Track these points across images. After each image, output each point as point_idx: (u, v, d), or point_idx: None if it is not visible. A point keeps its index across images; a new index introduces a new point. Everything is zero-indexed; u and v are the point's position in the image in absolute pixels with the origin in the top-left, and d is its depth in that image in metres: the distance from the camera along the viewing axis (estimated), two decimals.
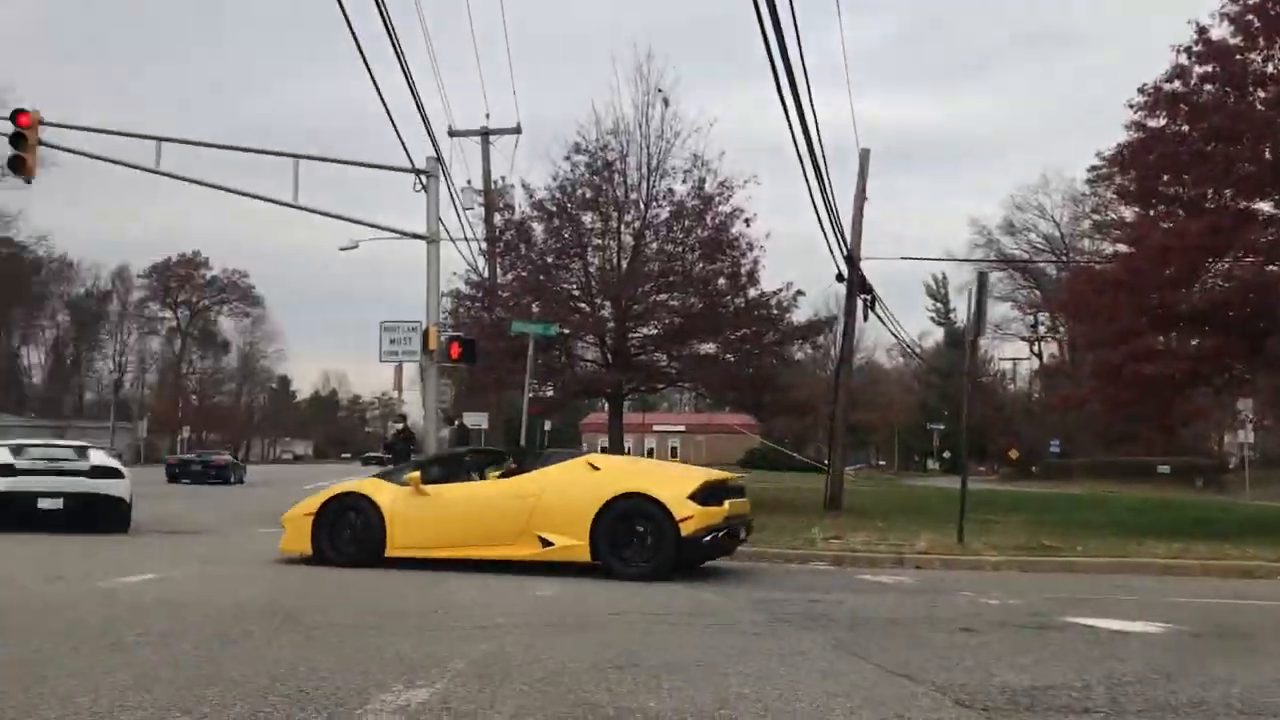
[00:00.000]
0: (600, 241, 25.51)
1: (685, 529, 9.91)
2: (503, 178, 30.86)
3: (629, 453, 37.97)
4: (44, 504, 14.66)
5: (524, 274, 25.71)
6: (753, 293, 25.22)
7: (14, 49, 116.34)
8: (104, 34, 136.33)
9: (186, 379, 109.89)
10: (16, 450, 15.47)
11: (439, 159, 20.14)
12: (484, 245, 30.30)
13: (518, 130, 33.83)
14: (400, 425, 26.19)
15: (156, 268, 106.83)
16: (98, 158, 19.36)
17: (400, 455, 22.12)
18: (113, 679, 5.20)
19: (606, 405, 30.40)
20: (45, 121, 17.67)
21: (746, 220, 24.90)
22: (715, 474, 11.10)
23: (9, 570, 9.82)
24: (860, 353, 68.85)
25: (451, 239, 26.59)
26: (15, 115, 17.39)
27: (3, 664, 5.48)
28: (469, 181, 30.40)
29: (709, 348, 26.09)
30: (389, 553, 10.88)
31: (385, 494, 11.17)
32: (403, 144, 20.60)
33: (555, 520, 10.37)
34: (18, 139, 17.25)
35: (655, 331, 25.87)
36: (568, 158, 25.49)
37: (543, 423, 49.34)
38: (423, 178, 19.81)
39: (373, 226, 22.87)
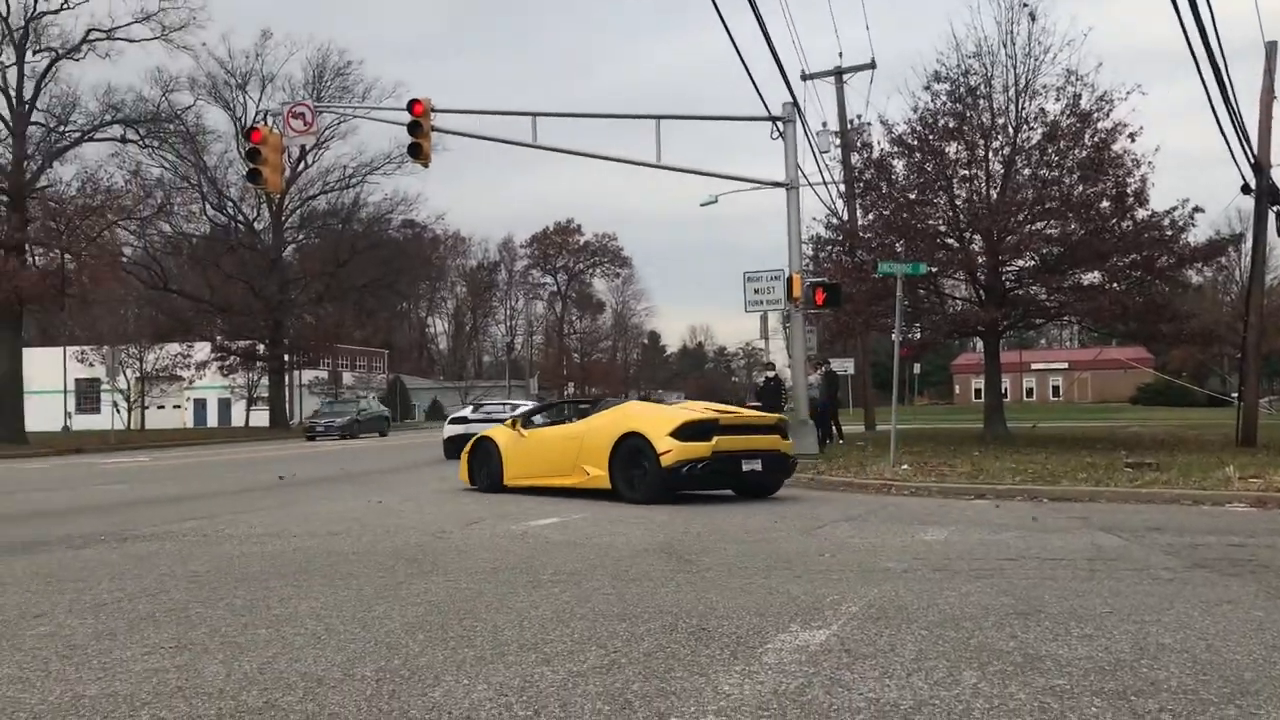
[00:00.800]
0: (966, 172, 24.47)
1: (664, 461, 11.90)
2: (858, 116, 30.32)
3: (1005, 394, 36.28)
4: None
5: (886, 213, 25.15)
6: (1141, 214, 23.22)
7: (401, 50, 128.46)
8: (479, 27, 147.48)
9: (568, 338, 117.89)
10: (475, 408, 25.90)
11: (795, 104, 20.04)
12: (843, 187, 29.97)
13: (872, 66, 33.12)
14: (771, 374, 26.57)
15: (536, 237, 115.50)
16: (482, 137, 21.07)
17: (770, 403, 22.44)
18: (535, 613, 5.66)
19: (980, 345, 29.19)
20: (435, 109, 19.34)
21: (1131, 135, 22.94)
22: (707, 413, 12.62)
23: (435, 520, 10.96)
24: (1272, 272, 61.56)
25: (810, 184, 26.56)
26: (411, 105, 19.16)
27: (441, 600, 6.11)
28: (824, 124, 30.24)
29: (1093, 277, 24.35)
30: (505, 482, 13.94)
31: (502, 437, 14.27)
32: (758, 93, 20.82)
33: (591, 455, 12.76)
34: (414, 127, 19.02)
35: (1031, 263, 24.53)
36: (927, 87, 24.69)
37: (912, 365, 48.09)
38: (779, 125, 19.81)
39: (730, 179, 23.30)
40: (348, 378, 78.68)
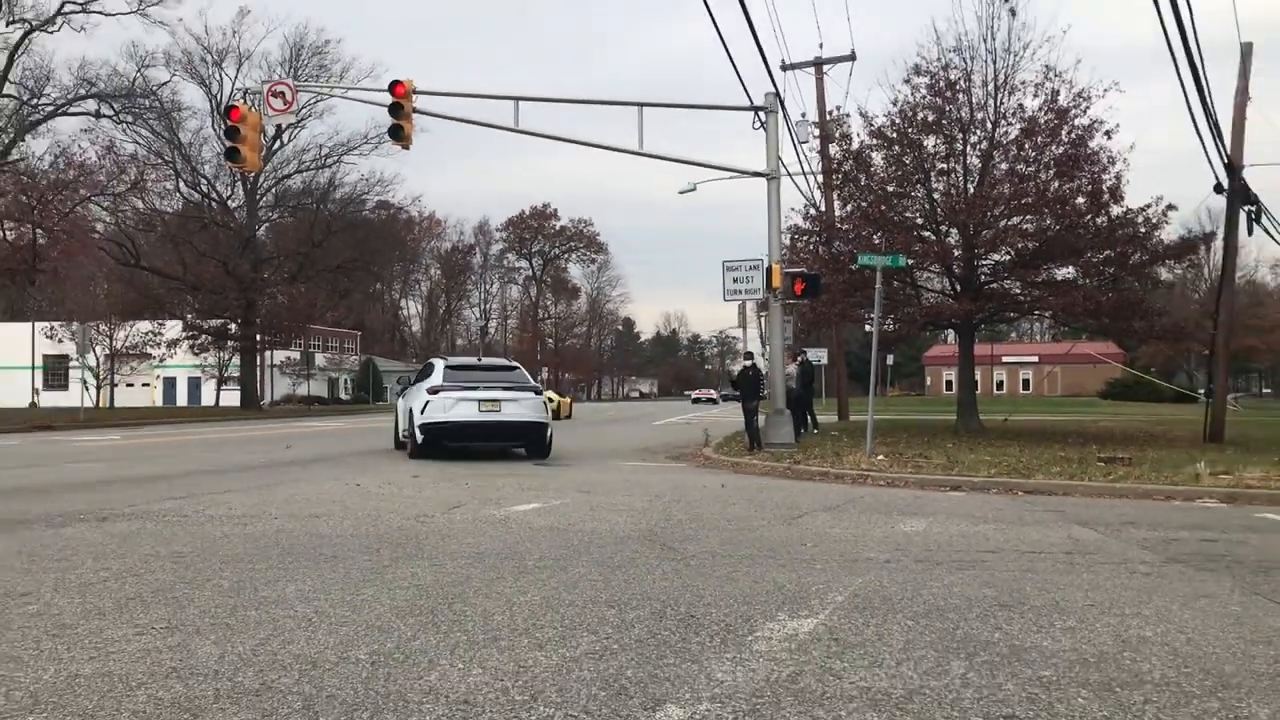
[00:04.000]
0: (944, 166, 24.55)
1: None
2: (838, 107, 30.32)
3: (977, 387, 36.51)
4: None
5: (864, 205, 25.19)
6: (1115, 211, 23.36)
7: (382, 30, 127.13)
8: (464, 10, 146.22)
9: (542, 323, 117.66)
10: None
11: (776, 94, 20.04)
12: (821, 178, 30.03)
13: (852, 58, 33.16)
14: (748, 363, 26.59)
15: (512, 221, 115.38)
16: (464, 120, 20.93)
17: (748, 392, 22.41)
18: (524, 599, 5.69)
19: (953, 337, 29.35)
20: (417, 90, 19.22)
21: (1107, 133, 23.09)
22: None
23: (416, 504, 10.95)
24: (1240, 270, 62.14)
25: (789, 174, 26.55)
26: (392, 86, 19.01)
27: (429, 584, 6.13)
28: (804, 115, 30.21)
29: (1067, 272, 24.52)
30: None
31: None
32: (741, 83, 20.76)
33: None
34: (395, 109, 18.89)
35: (1006, 257, 24.64)
36: (907, 80, 24.70)
37: (885, 357, 48.42)
38: (761, 114, 19.82)
39: (711, 168, 23.24)
40: (320, 359, 78.13)
